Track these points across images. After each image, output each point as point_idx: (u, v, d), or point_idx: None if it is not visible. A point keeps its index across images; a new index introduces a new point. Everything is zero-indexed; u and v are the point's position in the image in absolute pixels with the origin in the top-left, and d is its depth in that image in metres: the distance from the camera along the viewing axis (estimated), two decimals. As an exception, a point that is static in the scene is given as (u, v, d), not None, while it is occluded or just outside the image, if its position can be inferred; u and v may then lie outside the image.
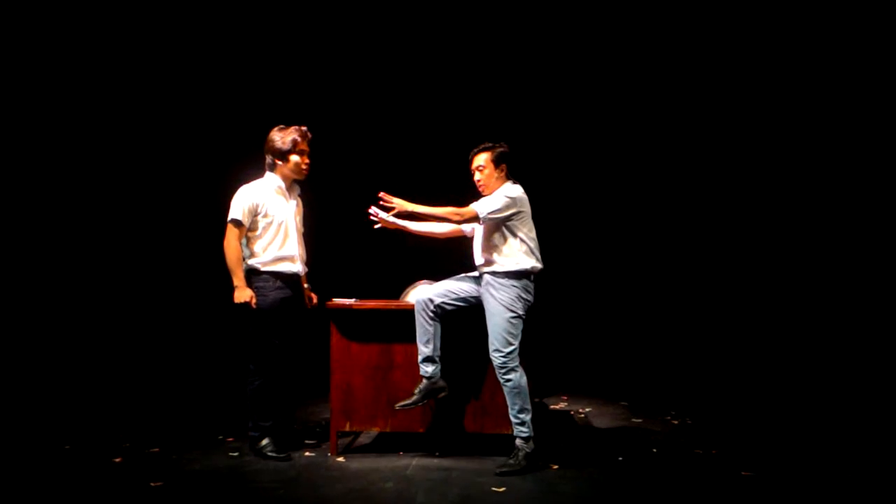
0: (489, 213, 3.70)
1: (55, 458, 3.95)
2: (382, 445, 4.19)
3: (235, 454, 4.02)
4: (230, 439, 4.36)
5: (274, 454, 3.88)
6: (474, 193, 3.91)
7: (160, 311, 6.55)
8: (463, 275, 3.97)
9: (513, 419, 3.68)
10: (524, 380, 3.67)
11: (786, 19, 6.09)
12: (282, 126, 3.98)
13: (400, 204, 3.78)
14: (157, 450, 4.11)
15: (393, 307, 4.00)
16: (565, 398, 5.53)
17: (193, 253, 6.49)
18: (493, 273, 3.72)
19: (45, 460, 3.89)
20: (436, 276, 4.20)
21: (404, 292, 4.19)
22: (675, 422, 4.86)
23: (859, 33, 5.92)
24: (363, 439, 4.37)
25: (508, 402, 3.68)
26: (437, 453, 3.97)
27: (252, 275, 3.91)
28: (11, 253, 5.98)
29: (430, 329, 3.74)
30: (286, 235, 3.95)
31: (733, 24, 6.21)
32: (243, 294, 3.85)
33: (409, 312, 3.94)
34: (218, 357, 6.49)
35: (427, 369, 3.73)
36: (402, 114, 6.63)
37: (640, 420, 4.92)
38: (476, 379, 3.91)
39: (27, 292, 6.06)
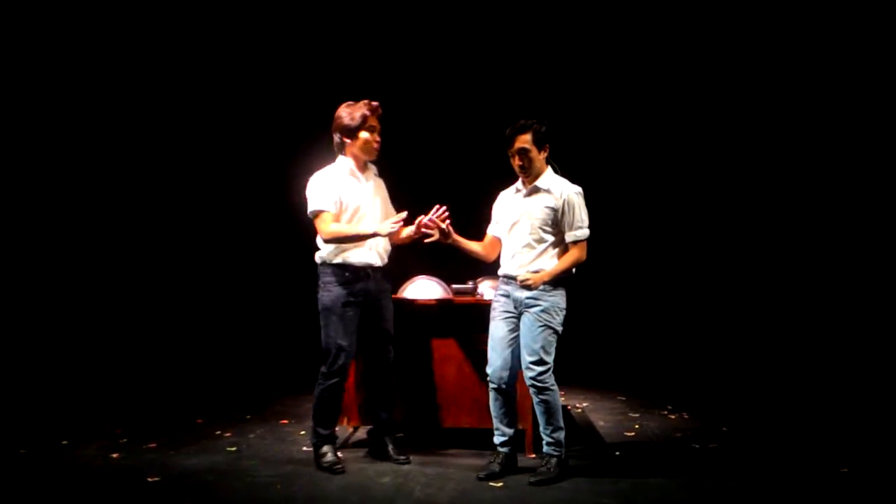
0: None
1: (52, 453, 3.94)
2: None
3: (233, 449, 4.02)
4: (227, 434, 4.36)
5: (328, 465, 3.57)
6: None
7: (158, 306, 6.55)
8: None
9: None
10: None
11: (790, 19, 6.09)
12: (350, 102, 3.66)
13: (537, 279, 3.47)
14: (154, 445, 4.10)
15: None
16: (562, 393, 5.51)
17: (190, 248, 6.51)
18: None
19: (42, 456, 3.89)
20: (434, 272, 4.20)
21: (402, 287, 4.18)
22: (673, 416, 4.86)
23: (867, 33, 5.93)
24: (360, 434, 4.36)
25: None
26: (434, 448, 3.96)
27: (321, 268, 3.64)
28: (15, 248, 6.00)
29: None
30: (360, 223, 3.62)
31: (753, 23, 6.19)
32: (382, 228, 3.49)
33: (406, 308, 3.95)
34: (216, 352, 6.50)
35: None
36: (407, 110, 6.58)
37: (636, 414, 4.92)
38: (474, 375, 3.91)
39: (24, 286, 6.06)
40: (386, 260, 3.73)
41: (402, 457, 3.73)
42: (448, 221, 3.54)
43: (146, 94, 6.42)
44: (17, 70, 5.91)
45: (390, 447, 3.77)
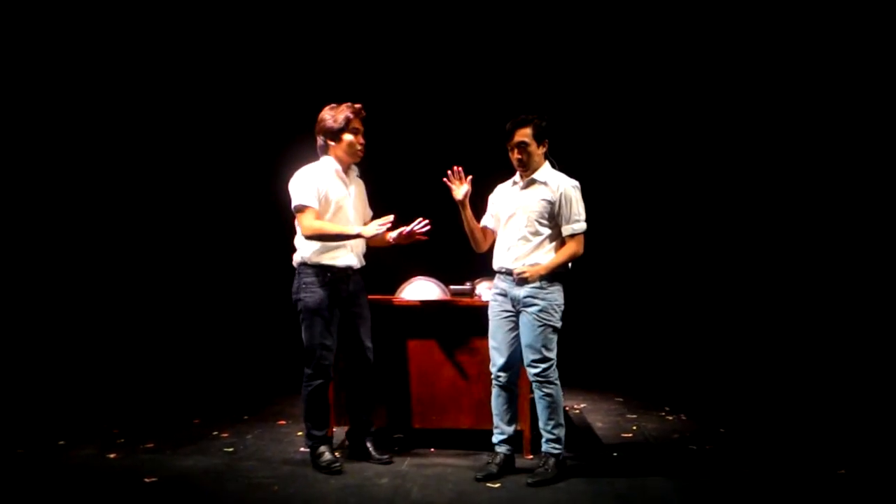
0: None
1: (49, 453, 3.94)
2: (377, 441, 4.17)
3: (230, 449, 4.01)
4: (224, 435, 4.35)
5: (326, 464, 3.56)
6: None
7: (155, 306, 6.54)
8: None
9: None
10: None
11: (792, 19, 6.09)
12: (333, 104, 3.64)
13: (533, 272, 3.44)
14: (151, 445, 4.10)
15: (390, 302, 3.99)
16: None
17: (187, 249, 6.48)
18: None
19: (39, 456, 3.88)
20: (431, 274, 4.20)
21: (400, 288, 4.18)
22: (670, 417, 4.86)
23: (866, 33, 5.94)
24: (358, 435, 4.37)
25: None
26: (431, 449, 3.97)
27: (302, 268, 3.62)
28: (11, 249, 5.99)
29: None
30: (341, 224, 3.60)
31: (752, 21, 6.19)
32: (367, 230, 3.49)
33: (405, 308, 3.95)
34: (214, 352, 6.49)
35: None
36: (401, 106, 6.59)
37: (634, 415, 4.92)
38: (471, 376, 3.90)
39: (21, 287, 6.05)
40: (363, 262, 3.75)
41: (384, 456, 3.72)
42: (471, 178, 3.58)
43: (131, 94, 6.38)
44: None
45: (371, 448, 3.76)
